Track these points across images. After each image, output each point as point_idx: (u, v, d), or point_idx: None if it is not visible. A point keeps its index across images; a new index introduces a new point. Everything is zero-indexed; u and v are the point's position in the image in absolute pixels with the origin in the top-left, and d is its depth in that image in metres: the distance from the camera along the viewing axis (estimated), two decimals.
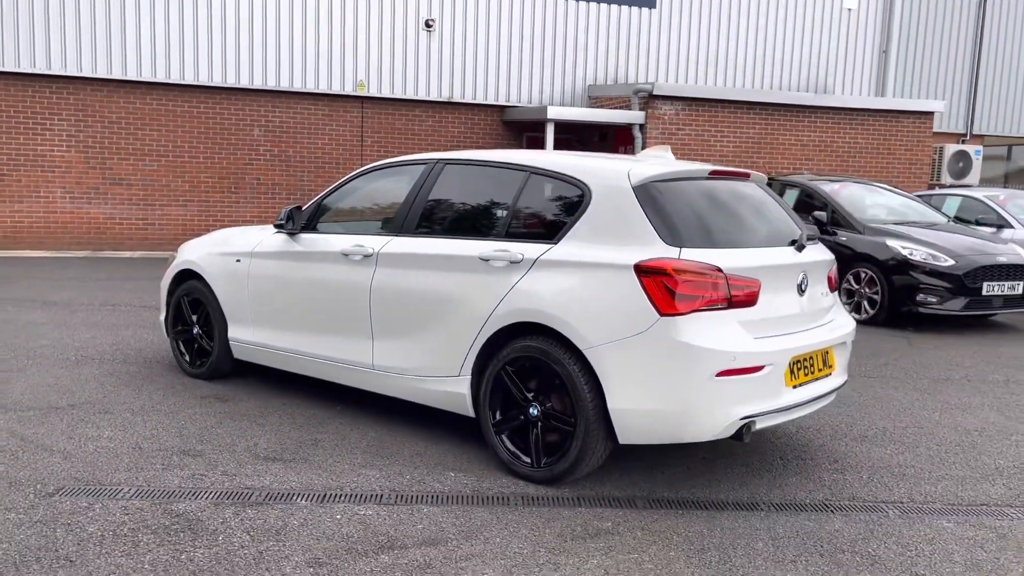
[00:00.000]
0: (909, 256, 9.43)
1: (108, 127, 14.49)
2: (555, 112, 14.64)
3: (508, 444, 4.38)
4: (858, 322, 9.40)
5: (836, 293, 4.93)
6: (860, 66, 18.86)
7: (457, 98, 16.09)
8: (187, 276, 6.12)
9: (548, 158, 4.67)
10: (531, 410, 4.29)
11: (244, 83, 14.86)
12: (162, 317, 6.39)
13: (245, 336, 5.71)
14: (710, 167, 4.53)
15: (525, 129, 16.72)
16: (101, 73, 14.19)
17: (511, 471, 4.36)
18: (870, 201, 10.94)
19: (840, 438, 5.27)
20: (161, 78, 14.44)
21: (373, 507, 3.89)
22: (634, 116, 14.82)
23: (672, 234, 4.08)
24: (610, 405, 4.00)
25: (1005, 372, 7.32)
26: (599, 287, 4.08)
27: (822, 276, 4.66)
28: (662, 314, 3.90)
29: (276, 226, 5.53)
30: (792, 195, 11.05)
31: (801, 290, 4.40)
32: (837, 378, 4.63)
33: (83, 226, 14.54)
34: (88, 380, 5.90)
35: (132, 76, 14.32)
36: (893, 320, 9.55)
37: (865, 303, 9.69)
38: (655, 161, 4.75)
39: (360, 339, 5.01)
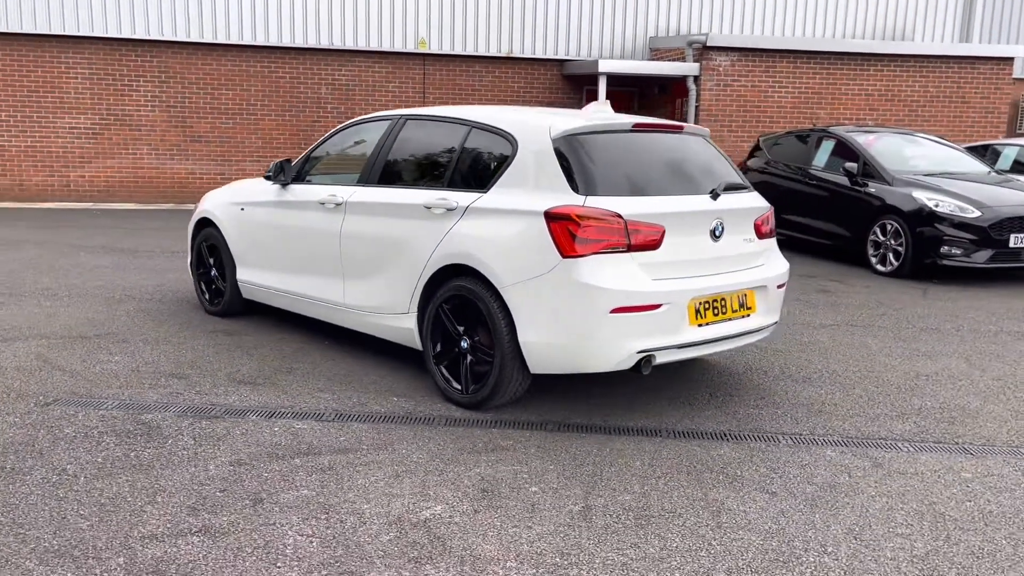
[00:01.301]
0: (935, 208, 9.35)
1: (188, 88, 15.50)
2: (607, 65, 14.78)
3: (444, 373, 4.88)
4: (882, 274, 9.47)
5: (771, 239, 5.18)
6: (943, 11, 18.12)
7: (516, 53, 16.39)
8: (206, 223, 6.82)
9: (486, 113, 5.08)
10: (462, 343, 4.77)
11: (312, 43, 15.58)
12: (188, 261, 7.14)
13: (248, 277, 6.38)
14: (634, 120, 4.84)
15: (585, 83, 16.89)
16: (181, 37, 15.15)
17: (446, 397, 4.88)
18: (909, 152, 10.79)
19: (782, 378, 5.54)
20: (235, 40, 15.31)
21: (310, 423, 4.47)
22: (688, 68, 14.81)
23: (582, 183, 4.45)
24: (521, 338, 4.45)
25: (1002, 324, 7.33)
26: (515, 232, 4.50)
27: (745, 223, 4.93)
28: (564, 256, 4.30)
29: (265, 178, 6.14)
30: (827, 147, 11.01)
31: (715, 236, 4.70)
32: (759, 319, 4.92)
33: (167, 181, 15.67)
34: (120, 315, 6.70)
35: (208, 39, 15.23)
36: (918, 273, 9.51)
37: (890, 255, 9.67)
38: (590, 115, 5.08)
39: (334, 279, 5.59)
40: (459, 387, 4.80)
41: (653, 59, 16.56)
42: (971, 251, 9.18)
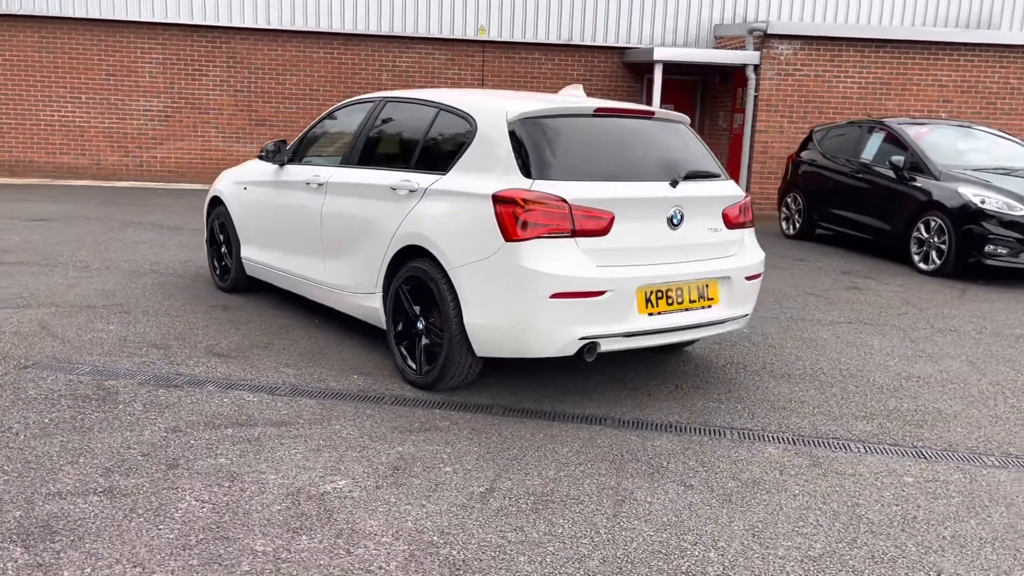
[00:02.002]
0: (981, 204, 8.90)
1: (254, 73, 15.98)
2: (662, 53, 14.53)
3: (403, 353, 4.94)
4: (924, 272, 9.08)
5: (744, 230, 5.03)
6: None
7: (576, 40, 16.28)
8: (217, 202, 7.05)
9: (452, 95, 5.10)
10: (419, 324, 4.82)
11: (373, 30, 15.83)
12: (204, 238, 7.39)
13: (249, 255, 6.57)
14: (597, 104, 4.78)
15: (644, 71, 16.65)
16: (248, 23, 15.61)
17: (404, 377, 4.93)
18: (963, 146, 10.29)
19: (760, 374, 5.40)
20: (299, 26, 15.68)
21: (262, 396, 4.59)
22: (747, 57, 14.43)
23: (533, 167, 4.43)
24: (466, 320, 4.46)
25: None
26: (465, 215, 4.52)
27: (710, 213, 4.80)
28: (507, 239, 4.29)
29: (259, 157, 6.30)
30: (877, 138, 10.59)
31: (673, 224, 4.60)
32: (721, 311, 4.80)
33: (233, 163, 16.19)
34: (136, 288, 7.00)
35: (275, 25, 15.65)
36: (962, 273, 9.08)
37: (933, 253, 9.25)
38: (557, 98, 5.03)
39: (316, 259, 5.71)
40: (414, 367, 4.84)
41: (718, 48, 16.20)
42: (1018, 251, 8.70)
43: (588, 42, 16.34)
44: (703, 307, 4.72)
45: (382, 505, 3.38)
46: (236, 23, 15.59)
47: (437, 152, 4.96)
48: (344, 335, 5.80)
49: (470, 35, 16.08)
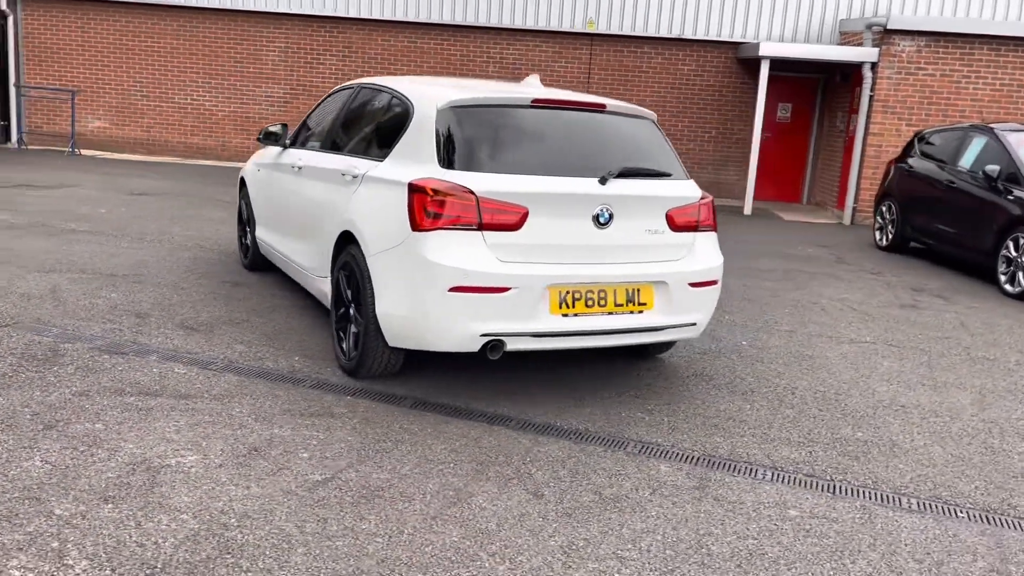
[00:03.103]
0: None
1: (367, 62, 16.49)
2: (768, 48, 13.83)
3: (340, 337, 4.97)
4: (1009, 295, 8.23)
5: (696, 233, 4.73)
6: None
7: (689, 34, 15.77)
8: (244, 183, 7.34)
9: (404, 83, 5.06)
10: (351, 310, 4.84)
11: (482, 21, 15.96)
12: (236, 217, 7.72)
13: (260, 234, 6.81)
14: (534, 95, 4.60)
15: (760, 67, 15.90)
16: (364, 14, 16.12)
17: (338, 362, 4.97)
18: None
19: (720, 388, 5.06)
20: (412, 17, 16.04)
21: (192, 368, 4.75)
22: (863, 54, 13.50)
23: (453, 157, 4.34)
24: (377, 309, 4.44)
25: None
26: (385, 202, 4.49)
27: (649, 213, 4.53)
28: (414, 229, 4.23)
29: (257, 139, 6.49)
30: (977, 144, 9.67)
31: (600, 223, 4.38)
32: (655, 317, 4.53)
33: None
34: (168, 260, 7.40)
35: (388, 16, 16.08)
36: None
37: (1020, 274, 8.35)
38: (507, 87, 4.90)
39: (296, 240, 5.84)
40: (344, 353, 4.87)
41: (842, 44, 15.24)
42: None
43: (701, 36, 15.78)
44: (632, 312, 4.47)
45: (210, 484, 3.42)
46: (352, 14, 16.12)
47: (382, 139, 4.95)
48: (321, 318, 5.90)
49: (578, 28, 15.91)
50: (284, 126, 6.39)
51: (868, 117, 13.66)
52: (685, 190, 4.70)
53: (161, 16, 16.36)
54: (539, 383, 4.88)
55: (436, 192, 4.18)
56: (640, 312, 4.50)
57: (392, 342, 4.45)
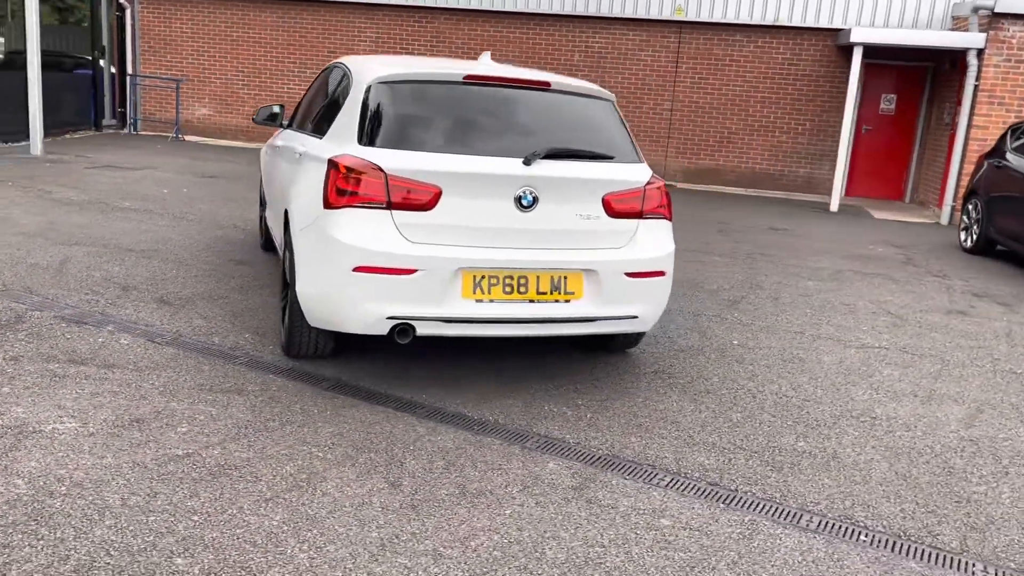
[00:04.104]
0: None
1: (454, 52, 16.56)
2: (861, 34, 12.95)
3: (284, 315, 4.95)
4: None
5: (639, 220, 4.42)
6: None
7: (784, 21, 15.00)
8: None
9: (355, 61, 4.97)
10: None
11: (568, 10, 15.72)
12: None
13: (265, 213, 6.90)
14: (466, 72, 4.41)
15: (864, 56, 14.94)
16: (451, 4, 16.18)
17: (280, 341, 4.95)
18: None
19: (675, 388, 4.74)
20: (497, 7, 15.98)
21: (140, 340, 4.83)
22: (968, 39, 12.45)
23: (374, 134, 4.22)
24: (296, 287, 4.38)
25: None
26: (311, 180, 4.42)
27: (580, 197, 4.26)
28: (325, 207, 4.14)
29: (253, 120, 6.55)
30: None
31: (522, 205, 4.16)
32: (585, 307, 4.26)
33: None
34: (192, 238, 7.62)
35: (475, 5, 16.08)
36: None
37: None
38: (443, 63, 4.73)
39: (273, 220, 5.87)
40: (284, 331, 4.84)
41: (954, 30, 14.12)
42: None
43: (797, 23, 14.97)
44: (557, 300, 4.22)
45: (67, 451, 3.44)
46: (440, 3, 16.21)
47: (328, 117, 4.88)
48: None
49: (666, 15, 15.42)
50: (282, 107, 6.42)
51: (972, 108, 12.59)
52: (627, 174, 4.40)
53: (261, 8, 16.95)
54: (479, 372, 4.70)
55: (348, 170, 4.07)
56: (567, 301, 4.24)
57: (311, 322, 4.37)
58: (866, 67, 15.00)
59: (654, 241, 4.45)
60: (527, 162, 4.15)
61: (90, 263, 6.45)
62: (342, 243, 4.03)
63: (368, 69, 4.56)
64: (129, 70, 17.78)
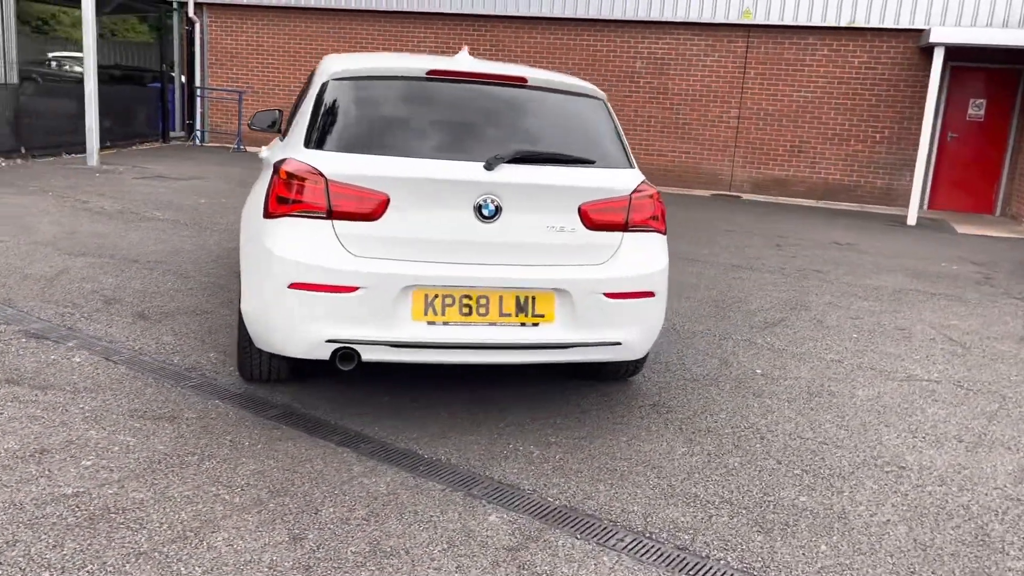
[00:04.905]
0: None
1: (512, 60, 16.15)
2: (941, 34, 11.96)
3: None
4: None
5: (628, 233, 3.86)
6: None
7: (860, 22, 14.07)
8: None
9: (328, 58, 4.55)
10: None
11: (629, 15, 15.14)
12: None
13: None
14: (430, 67, 3.93)
15: (949, 57, 13.89)
16: (510, 11, 15.80)
17: None
18: None
19: (667, 425, 4.14)
20: (557, 13, 15.52)
21: (91, 358, 4.51)
22: None
23: (323, 135, 3.79)
24: (241, 305, 3.97)
25: None
26: (261, 187, 4.02)
27: (552, 206, 3.73)
28: (265, 216, 3.73)
29: (248, 126, 6.21)
30: None
31: (483, 215, 3.65)
32: (557, 332, 3.73)
33: None
34: (200, 249, 7.36)
35: (534, 12, 15.65)
36: None
37: None
38: (406, 58, 4.28)
39: None
40: None
41: None
42: None
43: (875, 24, 14.01)
44: (524, 324, 3.70)
45: None
46: (499, 11, 15.84)
47: (291, 119, 4.49)
48: None
49: (733, 18, 14.66)
50: (280, 112, 6.08)
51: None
52: (610, 181, 3.84)
53: (322, 19, 16.90)
54: (450, 400, 4.21)
55: (288, 175, 3.64)
56: (535, 325, 3.71)
57: (256, 343, 3.95)
58: (952, 70, 13.96)
59: (641, 257, 3.88)
60: (489, 166, 3.64)
61: (86, 274, 6.23)
62: (277, 256, 3.59)
63: (330, 65, 4.14)
64: (197, 82, 17.97)
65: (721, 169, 15.09)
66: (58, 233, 7.64)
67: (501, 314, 3.66)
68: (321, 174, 3.58)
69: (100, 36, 29.19)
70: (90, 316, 5.24)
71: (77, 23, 27.78)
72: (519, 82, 3.98)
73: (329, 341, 3.59)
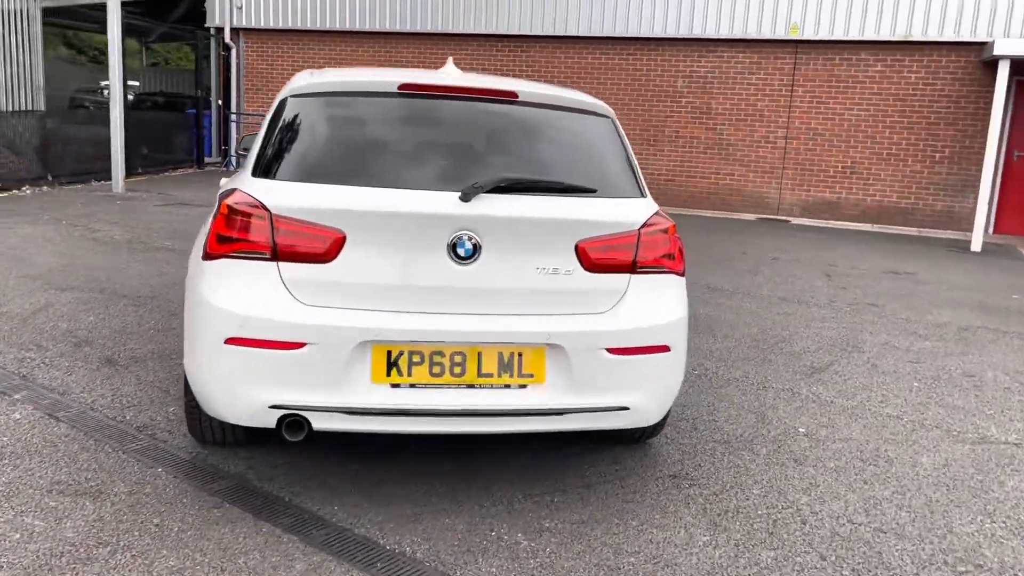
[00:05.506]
0: None
1: (551, 80, 15.60)
2: (1007, 46, 11.07)
3: None
4: None
5: (635, 275, 3.21)
6: None
7: (917, 35, 13.22)
8: None
9: (299, 73, 4.00)
10: None
11: (670, 32, 14.49)
12: None
13: None
14: (402, 80, 3.33)
15: (1015, 72, 12.96)
16: (547, 31, 15.26)
17: None
18: None
19: (688, 504, 3.46)
20: (596, 32, 14.93)
21: (32, 414, 3.99)
22: None
23: (271, 162, 3.23)
24: (184, 361, 3.41)
25: None
26: (206, 224, 3.46)
27: (543, 244, 3.10)
28: (204, 257, 3.17)
29: (236, 153, 5.69)
30: None
31: (459, 256, 3.04)
32: (550, 396, 3.09)
33: None
34: None
35: (571, 32, 15.10)
36: None
37: None
38: (380, 72, 3.69)
39: None
40: None
41: None
42: None
43: (932, 37, 13.14)
44: (508, 386, 3.06)
45: None
46: (536, 31, 15.33)
47: (251, 144, 3.92)
48: None
49: (780, 34, 13.92)
50: None
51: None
52: (614, 213, 3.20)
53: (359, 42, 16.57)
54: (432, 468, 3.58)
55: (229, 210, 3.07)
56: (522, 387, 3.07)
57: (200, 404, 3.37)
58: (1017, 85, 13.04)
59: (653, 304, 3.22)
60: (465, 197, 3.03)
61: (66, 312, 5.76)
62: (211, 305, 3.02)
63: (295, 80, 3.58)
64: (233, 107, 17.76)
65: (767, 192, 14.31)
66: (54, 265, 7.23)
67: (480, 374, 3.03)
68: (266, 208, 3.00)
69: (153, 64, 29.52)
70: (51, 362, 4.74)
71: (132, 53, 28.11)
72: (508, 97, 3.37)
73: (274, 407, 2.99)
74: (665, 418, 3.65)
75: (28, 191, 12.38)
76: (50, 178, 13.22)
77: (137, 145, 15.43)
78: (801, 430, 4.32)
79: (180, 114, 18.83)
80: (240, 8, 17.02)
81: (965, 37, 12.94)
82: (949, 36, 13.01)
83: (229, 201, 3.09)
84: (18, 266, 7.15)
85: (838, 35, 13.55)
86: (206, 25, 17.83)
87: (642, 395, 3.20)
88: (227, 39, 17.60)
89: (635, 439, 3.89)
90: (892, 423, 4.49)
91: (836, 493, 3.59)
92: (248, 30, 17.36)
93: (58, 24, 23.81)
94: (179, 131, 17.98)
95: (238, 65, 17.93)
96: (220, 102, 18.73)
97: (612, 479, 3.61)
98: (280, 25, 16.91)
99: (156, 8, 20.60)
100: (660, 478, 3.66)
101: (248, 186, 3.13)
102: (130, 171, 14.49)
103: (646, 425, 3.33)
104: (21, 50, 13.44)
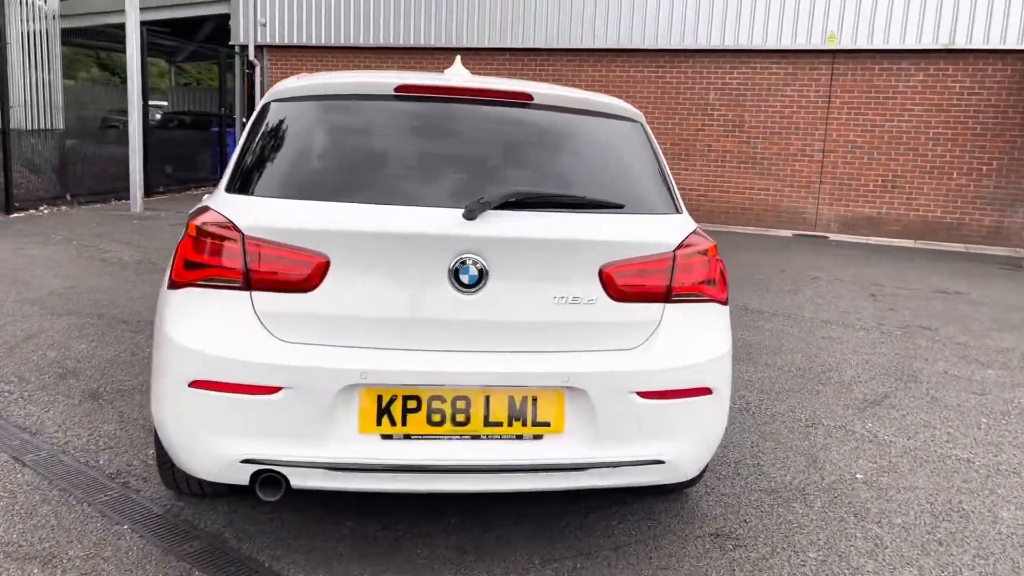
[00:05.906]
0: None
1: None
2: None
3: None
4: None
5: (670, 304, 2.74)
6: None
7: (960, 44, 12.63)
8: None
9: (285, 80, 3.57)
10: None
11: (701, 43, 14.01)
12: None
13: None
14: (400, 82, 2.89)
15: None
16: (574, 44, 14.87)
17: None
18: None
19: (727, 570, 2.96)
20: (624, 44, 14.51)
21: (4, 456, 3.60)
22: None
23: (247, 176, 2.81)
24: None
25: None
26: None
27: (561, 269, 2.64)
28: (168, 286, 2.75)
29: None
30: None
31: (461, 283, 2.58)
32: (570, 449, 2.62)
33: None
34: None
35: (599, 44, 14.68)
36: None
37: None
38: (375, 75, 3.25)
39: None
40: None
41: None
42: None
43: (977, 45, 12.53)
44: (521, 437, 2.60)
45: None
46: (562, 45, 14.94)
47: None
48: None
49: (816, 44, 13.39)
50: None
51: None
52: (646, 232, 2.73)
53: (380, 57, 16.31)
54: (424, 533, 3.12)
55: (197, 231, 2.65)
56: (537, 438, 2.60)
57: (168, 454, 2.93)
58: None
59: (691, 338, 2.74)
60: (470, 215, 2.58)
61: (57, 339, 5.39)
62: (172, 342, 2.60)
63: (281, 84, 3.16)
64: None
65: (804, 207, 13.73)
66: (56, 288, 6.90)
67: (487, 423, 2.57)
68: (237, 228, 2.57)
69: (185, 84, 29.55)
70: (31, 396, 4.36)
71: (163, 73, 28.15)
72: (521, 100, 2.92)
73: (246, 461, 2.55)
74: (705, 467, 3.16)
75: (45, 210, 12.17)
76: (69, 197, 13.01)
77: (160, 164, 15.25)
78: (859, 476, 3.80)
79: (205, 133, 18.70)
80: (264, 25, 16.83)
81: (1011, 45, 12.34)
82: (995, 43, 12.41)
83: (196, 221, 2.67)
84: (18, 289, 6.83)
85: (877, 44, 13.00)
86: (231, 43, 17.65)
87: (679, 446, 2.72)
88: (251, 56, 17.40)
89: (669, 490, 3.40)
90: (963, 468, 3.95)
91: (907, 558, 3.08)
92: (272, 47, 17.16)
93: (87, 45, 23.88)
94: (203, 149, 17.84)
95: (262, 82, 17.72)
96: (244, 119, 18.52)
97: (644, 538, 3.13)
98: (304, 42, 16.69)
99: (184, 28, 20.53)
100: (700, 537, 3.16)
101: (220, 204, 2.70)
102: (151, 190, 14.29)
103: (681, 480, 2.84)
104: (41, 70, 13.27)
